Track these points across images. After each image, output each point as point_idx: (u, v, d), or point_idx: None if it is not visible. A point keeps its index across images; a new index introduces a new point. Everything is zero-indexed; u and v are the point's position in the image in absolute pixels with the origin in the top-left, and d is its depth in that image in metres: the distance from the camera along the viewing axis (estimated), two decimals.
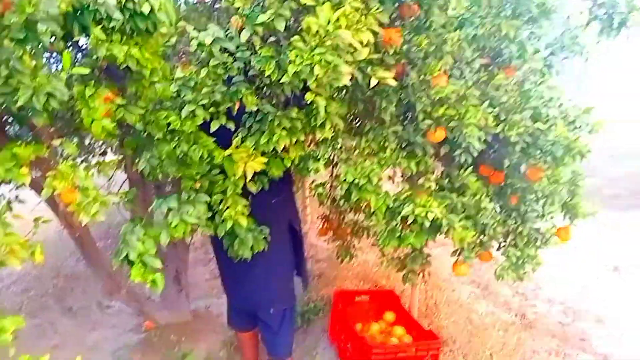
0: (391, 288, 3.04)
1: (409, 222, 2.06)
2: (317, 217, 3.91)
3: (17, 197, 2.08)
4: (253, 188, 1.85)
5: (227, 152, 1.61)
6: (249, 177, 1.60)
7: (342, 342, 2.62)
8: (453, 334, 2.60)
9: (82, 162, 1.64)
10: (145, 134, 1.73)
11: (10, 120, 1.69)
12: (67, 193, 1.47)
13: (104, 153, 2.13)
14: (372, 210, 2.48)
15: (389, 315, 2.73)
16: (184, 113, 1.50)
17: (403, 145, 1.90)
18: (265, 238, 2.00)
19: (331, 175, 3.16)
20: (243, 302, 2.42)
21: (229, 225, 1.77)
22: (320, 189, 3.00)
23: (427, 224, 1.86)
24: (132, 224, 1.59)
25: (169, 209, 1.61)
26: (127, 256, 1.50)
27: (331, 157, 2.84)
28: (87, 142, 2.07)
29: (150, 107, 1.67)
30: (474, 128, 1.74)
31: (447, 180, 1.96)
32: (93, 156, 1.92)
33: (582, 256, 3.75)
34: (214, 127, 1.54)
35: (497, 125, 1.85)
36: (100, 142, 2.11)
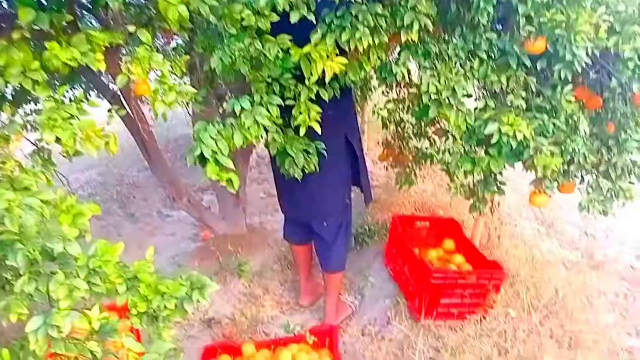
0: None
1: (487, 144, 1.92)
2: (376, 144, 3.81)
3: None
4: (326, 95, 1.75)
5: (305, 49, 1.48)
6: (328, 78, 1.48)
7: (398, 265, 2.59)
8: (515, 268, 2.50)
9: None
10: (217, 32, 1.63)
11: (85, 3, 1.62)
12: (141, 84, 1.42)
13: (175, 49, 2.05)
14: (448, 129, 2.34)
15: (449, 243, 2.65)
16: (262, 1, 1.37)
17: (495, 56, 1.69)
18: (319, 154, 1.93)
19: (397, 96, 2.99)
20: (298, 215, 2.40)
21: (302, 131, 1.69)
22: (390, 105, 2.86)
23: (513, 144, 1.70)
24: (206, 123, 1.53)
25: (242, 109, 1.54)
26: (201, 154, 1.45)
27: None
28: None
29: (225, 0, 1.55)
30: (584, 36, 1.51)
31: (540, 99, 1.75)
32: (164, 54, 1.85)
33: None
34: (293, 18, 1.41)
35: (610, 37, 1.60)
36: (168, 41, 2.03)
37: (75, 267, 1.11)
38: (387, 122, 3.01)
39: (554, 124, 1.74)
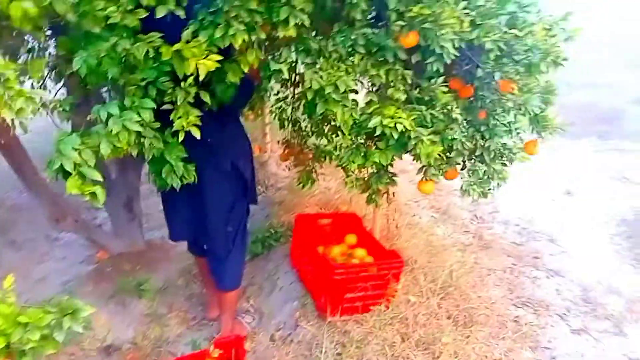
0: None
1: (375, 138, 1.98)
2: (278, 143, 3.79)
3: None
4: (207, 98, 1.67)
5: (176, 46, 1.41)
6: (202, 76, 1.42)
7: (303, 265, 2.58)
8: (414, 255, 2.61)
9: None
10: (81, 31, 1.50)
11: None
12: None
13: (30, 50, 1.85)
14: (337, 124, 2.37)
15: (351, 238, 2.70)
16: None
17: (373, 51, 1.74)
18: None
19: (293, 95, 3.00)
20: (183, 232, 2.37)
21: (181, 137, 1.60)
22: (282, 105, 2.85)
23: (395, 135, 1.76)
24: (66, 132, 1.39)
25: (110, 115, 1.42)
26: (61, 166, 1.32)
27: (293, 73, 2.68)
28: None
29: None
30: (449, 30, 1.61)
31: (417, 91, 1.84)
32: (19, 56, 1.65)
33: (536, 181, 3.84)
34: (160, 13, 1.33)
35: (472, 30, 1.73)
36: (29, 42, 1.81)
37: None
38: (285, 122, 3.01)
39: (431, 115, 1.84)
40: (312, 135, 2.96)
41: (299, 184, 3.00)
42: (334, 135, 2.84)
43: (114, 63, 1.47)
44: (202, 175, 1.95)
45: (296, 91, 2.92)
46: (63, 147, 1.34)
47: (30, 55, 1.80)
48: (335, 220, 2.83)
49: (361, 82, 2.00)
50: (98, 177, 1.35)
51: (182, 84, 1.53)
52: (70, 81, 1.87)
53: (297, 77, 2.84)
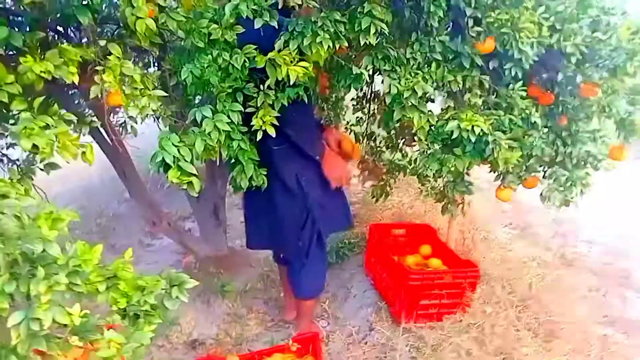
0: None
1: (451, 145, 2.02)
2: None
3: None
4: (285, 99, 1.80)
5: (270, 55, 1.58)
6: (292, 79, 1.57)
7: (378, 273, 2.63)
8: (490, 269, 2.57)
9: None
10: (185, 49, 1.72)
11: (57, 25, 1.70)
12: (113, 94, 1.49)
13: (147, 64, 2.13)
14: (413, 130, 2.45)
15: (425, 249, 2.71)
16: (227, 8, 1.46)
17: (450, 58, 1.81)
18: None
19: (368, 110, 3.11)
20: (261, 242, 2.45)
21: (259, 136, 1.75)
22: (359, 115, 2.97)
23: (472, 139, 1.80)
24: (168, 131, 1.59)
25: (204, 117, 1.61)
26: (163, 160, 1.51)
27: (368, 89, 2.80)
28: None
29: (191, 15, 1.65)
30: (527, 33, 1.64)
31: (494, 96, 1.87)
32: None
33: (626, 198, 3.62)
34: (257, 24, 1.51)
35: (552, 35, 1.74)
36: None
37: (56, 267, 1.14)
38: (360, 137, 3.12)
39: (510, 120, 1.85)
40: (387, 149, 3.05)
41: (373, 197, 3.08)
42: (407, 149, 2.91)
43: (214, 73, 1.67)
44: (274, 186, 2.09)
45: (371, 107, 3.04)
46: (165, 143, 1.53)
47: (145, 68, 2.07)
48: (409, 231, 2.86)
49: (438, 90, 2.06)
50: (193, 170, 1.53)
51: (261, 86, 1.70)
52: (175, 92, 2.11)
53: (373, 94, 2.97)
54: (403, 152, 3.01)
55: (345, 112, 3.86)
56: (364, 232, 3.22)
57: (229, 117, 1.66)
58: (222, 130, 1.63)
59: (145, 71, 1.73)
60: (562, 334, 2.14)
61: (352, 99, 3.12)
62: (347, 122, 3.24)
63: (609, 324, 2.33)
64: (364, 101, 3.11)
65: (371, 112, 3.08)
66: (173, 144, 1.55)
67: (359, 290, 2.75)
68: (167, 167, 1.56)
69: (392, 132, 2.92)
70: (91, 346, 1.15)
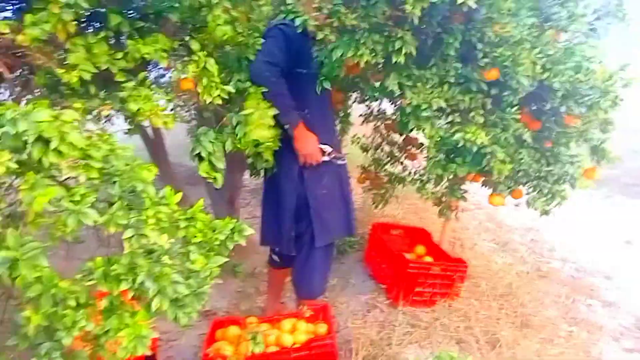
0: None
1: (454, 154, 2.39)
2: (356, 167, 4.27)
3: None
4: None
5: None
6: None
7: (377, 265, 2.97)
8: (476, 271, 2.93)
9: None
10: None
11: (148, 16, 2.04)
12: (188, 81, 1.83)
13: None
14: (422, 142, 2.83)
15: (420, 248, 3.07)
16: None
17: (461, 81, 2.21)
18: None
19: (375, 126, 3.49)
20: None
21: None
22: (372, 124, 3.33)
23: (474, 149, 2.18)
24: (207, 128, 1.94)
25: (238, 122, 1.96)
26: (199, 153, 1.84)
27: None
28: None
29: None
30: (525, 68, 2.05)
31: (493, 116, 2.26)
32: None
33: (597, 229, 4.05)
34: (319, 36, 1.88)
35: (544, 72, 2.15)
36: None
37: (149, 203, 1.46)
38: (367, 149, 3.50)
39: (505, 138, 2.25)
40: (389, 163, 3.41)
41: (374, 204, 3.44)
42: (407, 162, 3.28)
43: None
44: (280, 175, 2.28)
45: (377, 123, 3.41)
46: (203, 138, 1.87)
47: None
48: (406, 232, 3.22)
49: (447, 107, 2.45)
50: (222, 165, 1.87)
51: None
52: None
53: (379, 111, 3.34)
54: (404, 165, 3.38)
55: (351, 127, 4.26)
56: (363, 232, 3.56)
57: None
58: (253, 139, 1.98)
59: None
60: (535, 326, 2.50)
61: (360, 115, 3.47)
62: (354, 135, 3.62)
63: (574, 323, 2.69)
64: (371, 117, 3.49)
65: (376, 126, 3.46)
66: (209, 140, 1.89)
67: (358, 280, 3.08)
68: (201, 159, 1.89)
69: (395, 146, 3.30)
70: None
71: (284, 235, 2.37)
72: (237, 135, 1.96)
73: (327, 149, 2.25)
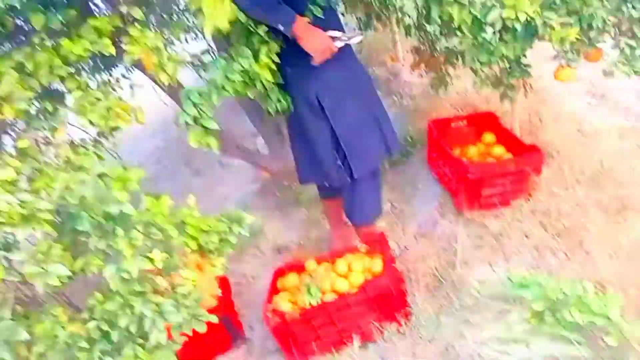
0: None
1: (500, 32, 1.88)
2: (408, 52, 3.74)
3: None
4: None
5: None
6: None
7: (440, 168, 2.66)
8: (560, 146, 2.48)
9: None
10: None
11: None
12: (146, 58, 1.57)
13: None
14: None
15: (488, 137, 2.66)
16: None
17: None
18: None
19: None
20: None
21: None
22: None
23: (518, 27, 1.67)
24: (188, 89, 1.72)
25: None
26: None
27: None
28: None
29: None
30: None
31: None
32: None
33: None
34: None
35: None
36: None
37: (134, 221, 1.35)
38: (410, 29, 2.98)
39: None
40: (442, 36, 2.87)
41: (433, 88, 3.01)
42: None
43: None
44: (302, 112, 2.08)
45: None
46: (186, 103, 1.65)
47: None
48: (470, 121, 2.80)
49: None
50: (215, 125, 1.66)
51: None
52: None
53: None
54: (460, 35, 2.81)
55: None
56: (426, 127, 3.18)
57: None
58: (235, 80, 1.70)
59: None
60: (636, 205, 2.08)
61: None
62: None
63: None
64: None
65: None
66: (193, 103, 1.65)
67: (424, 185, 2.82)
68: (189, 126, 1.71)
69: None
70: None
71: (324, 169, 2.21)
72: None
73: (337, 33, 1.92)
